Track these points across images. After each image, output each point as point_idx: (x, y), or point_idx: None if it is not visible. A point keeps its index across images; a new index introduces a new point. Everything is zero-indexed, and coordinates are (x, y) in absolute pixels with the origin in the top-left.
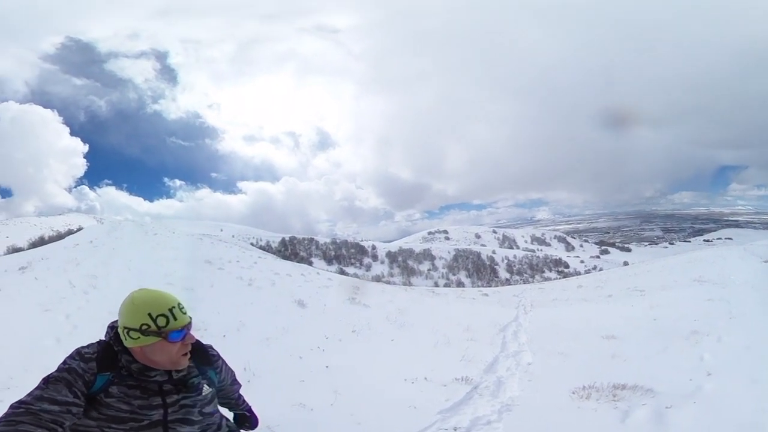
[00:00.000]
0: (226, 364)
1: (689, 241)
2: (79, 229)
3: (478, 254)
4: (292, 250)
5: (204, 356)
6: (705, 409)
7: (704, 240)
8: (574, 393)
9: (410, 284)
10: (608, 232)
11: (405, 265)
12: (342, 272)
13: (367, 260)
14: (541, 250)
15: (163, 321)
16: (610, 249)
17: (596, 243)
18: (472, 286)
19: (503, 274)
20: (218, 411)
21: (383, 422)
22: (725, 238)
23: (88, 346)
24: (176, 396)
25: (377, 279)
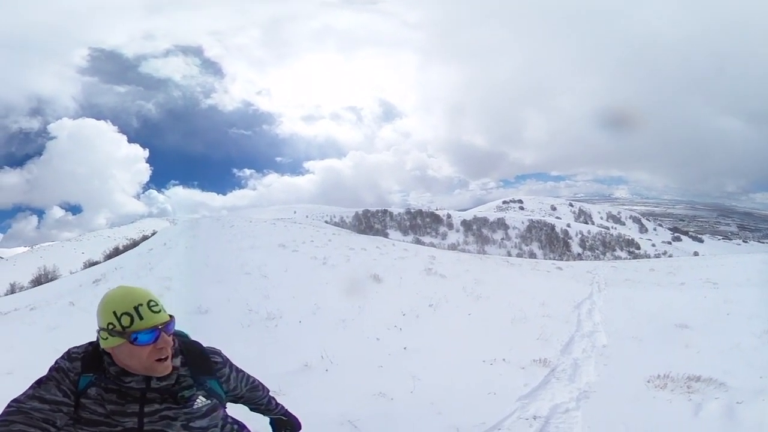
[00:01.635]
0: (238, 371)
1: (764, 243)
2: (153, 234)
3: (552, 226)
4: (366, 223)
5: (203, 364)
6: None
7: None
8: (649, 381)
9: (484, 253)
10: (683, 220)
11: (479, 233)
12: (418, 242)
13: (442, 229)
14: (615, 228)
15: (127, 320)
16: (682, 237)
17: (670, 229)
18: (544, 258)
19: (576, 248)
20: (222, 424)
21: (464, 411)
22: None
23: (79, 346)
24: (158, 406)
25: (452, 247)
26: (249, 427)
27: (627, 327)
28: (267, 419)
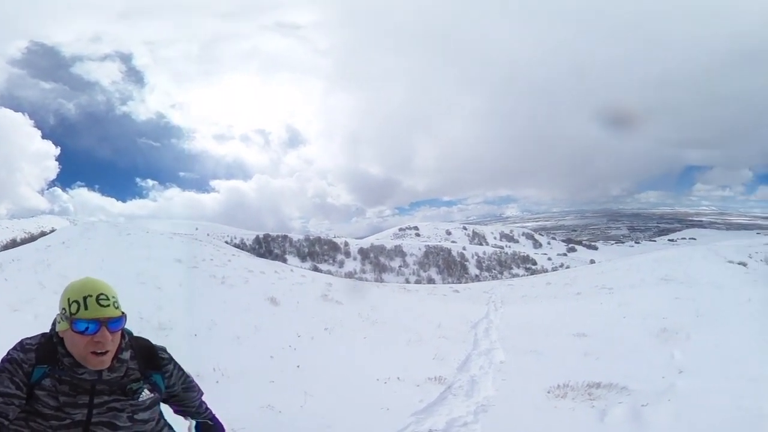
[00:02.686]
0: (180, 370)
1: (654, 241)
2: (52, 231)
3: (449, 251)
4: (266, 247)
5: (151, 359)
6: (681, 407)
7: (669, 240)
8: (549, 392)
9: (382, 280)
10: (575, 230)
11: (377, 261)
12: (315, 269)
13: (339, 257)
14: (510, 246)
15: (75, 307)
16: (577, 247)
17: (563, 241)
18: (443, 283)
19: (473, 270)
20: (159, 418)
21: (355, 425)
22: (689, 238)
23: (32, 337)
24: (106, 397)
25: (350, 275)
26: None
27: (524, 342)
28: (187, 423)
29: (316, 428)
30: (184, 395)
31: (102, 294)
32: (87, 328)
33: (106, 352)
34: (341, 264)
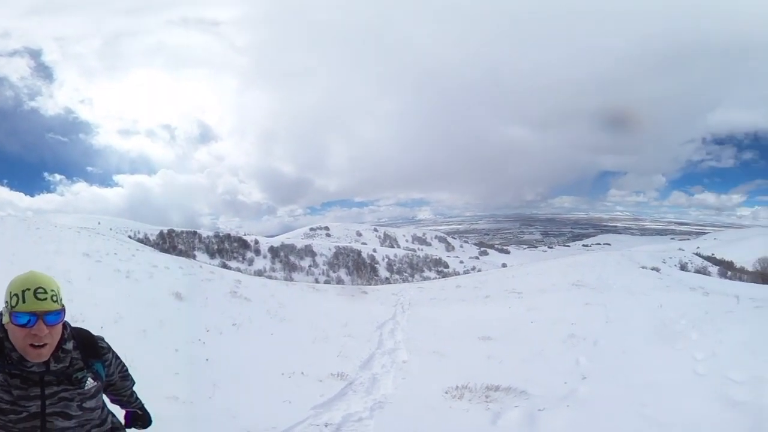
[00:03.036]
0: (118, 358)
1: (568, 246)
2: None
3: (359, 252)
4: (171, 243)
5: (91, 348)
6: (578, 413)
7: (583, 245)
8: (447, 392)
9: (291, 279)
10: (488, 234)
11: (287, 260)
12: (224, 266)
13: (249, 254)
14: (422, 249)
15: (14, 300)
16: (489, 251)
17: (476, 244)
18: (353, 284)
19: (383, 272)
20: (103, 406)
21: (258, 416)
22: (603, 244)
23: None
24: (56, 388)
25: (259, 273)
26: None
27: (429, 343)
28: (122, 412)
29: (221, 419)
30: (121, 384)
31: (40, 287)
32: (27, 321)
33: (44, 345)
34: (251, 262)
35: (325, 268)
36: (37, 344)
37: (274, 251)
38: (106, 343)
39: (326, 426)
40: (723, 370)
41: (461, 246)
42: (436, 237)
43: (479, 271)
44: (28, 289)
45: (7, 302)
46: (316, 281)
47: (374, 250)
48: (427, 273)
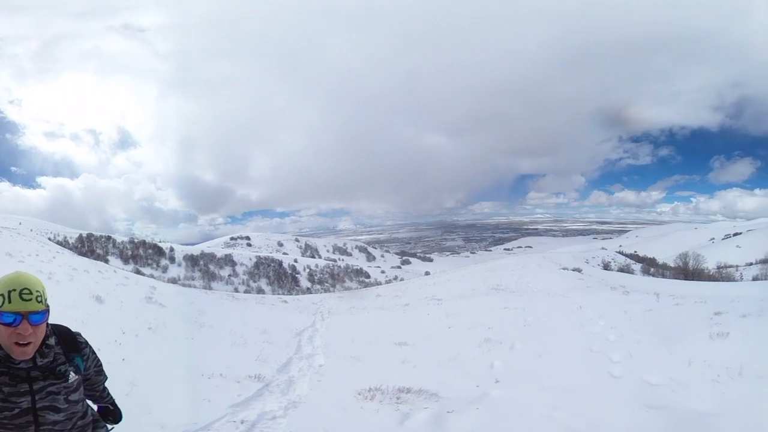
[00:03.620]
0: (94, 353)
1: (490, 250)
2: None
3: (280, 262)
4: (89, 247)
5: (71, 343)
6: (486, 415)
7: (505, 249)
8: (359, 394)
9: (210, 288)
10: (409, 243)
11: (206, 269)
12: (138, 272)
13: (164, 262)
14: (343, 259)
15: (0, 301)
16: (411, 259)
17: (397, 253)
18: (273, 294)
19: (305, 282)
20: (84, 399)
21: (175, 413)
22: (525, 247)
23: None
24: (43, 383)
25: (173, 281)
26: None
27: (346, 349)
28: (95, 406)
29: (137, 414)
30: (95, 378)
31: (25, 288)
32: (13, 320)
33: (29, 343)
34: (165, 269)
35: (245, 277)
36: (21, 342)
37: (192, 259)
38: (84, 338)
39: (242, 423)
40: (639, 372)
41: (382, 256)
42: (356, 247)
43: (401, 280)
44: (14, 290)
45: None
46: (236, 290)
47: (295, 261)
48: (348, 283)
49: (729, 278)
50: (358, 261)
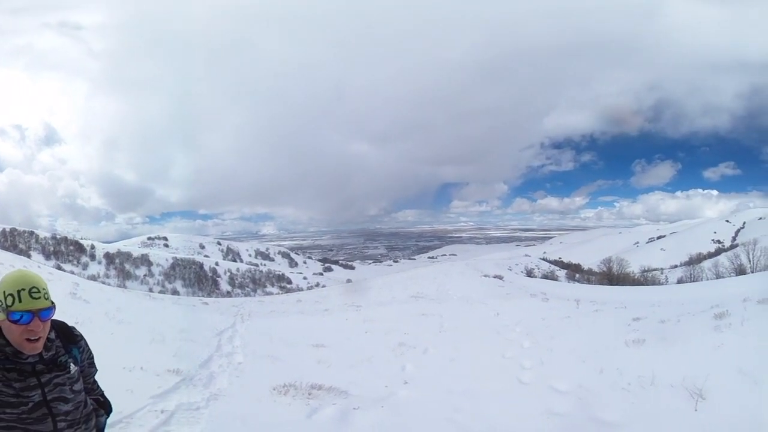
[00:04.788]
0: (87, 345)
1: (414, 259)
2: None
3: (201, 265)
4: (11, 241)
5: (69, 335)
6: (389, 414)
7: (429, 257)
8: (275, 389)
9: (125, 287)
10: (332, 250)
11: (122, 267)
12: (59, 268)
13: (84, 259)
14: (265, 264)
15: (10, 300)
16: (333, 266)
17: (320, 260)
18: (191, 296)
19: (225, 286)
20: (84, 389)
21: None
22: (449, 255)
23: None
24: (49, 375)
25: (93, 278)
26: None
27: (264, 349)
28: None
29: None
30: (88, 370)
31: (34, 287)
32: (21, 318)
33: (39, 338)
34: (85, 266)
35: (160, 278)
36: (32, 338)
37: (110, 257)
38: (79, 331)
39: (162, 412)
40: (548, 379)
41: (305, 262)
42: (279, 252)
43: (323, 287)
44: (23, 289)
45: (1, 301)
46: (151, 290)
47: (216, 264)
48: (269, 288)
49: (654, 282)
50: (280, 266)
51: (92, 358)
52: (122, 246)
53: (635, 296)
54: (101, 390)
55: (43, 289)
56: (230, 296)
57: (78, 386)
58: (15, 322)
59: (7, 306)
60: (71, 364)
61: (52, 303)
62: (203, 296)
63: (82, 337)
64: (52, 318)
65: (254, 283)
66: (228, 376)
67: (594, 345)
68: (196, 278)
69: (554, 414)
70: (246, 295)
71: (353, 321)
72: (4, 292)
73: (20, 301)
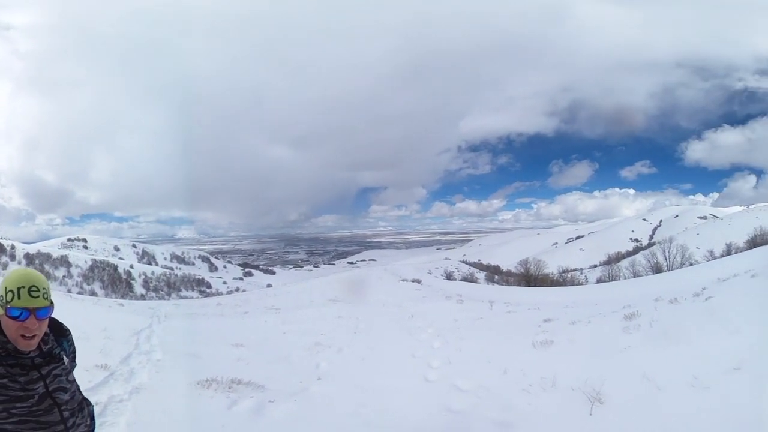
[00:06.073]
0: (73, 340)
1: (334, 264)
2: None
3: (116, 267)
4: None
5: (59, 328)
6: (301, 406)
7: (348, 262)
8: (198, 383)
9: None
10: (252, 255)
11: (41, 269)
12: None
13: (5, 259)
14: (181, 268)
15: (10, 296)
16: (254, 271)
17: (240, 265)
18: (107, 298)
19: (140, 289)
20: (74, 379)
21: None
22: (369, 260)
23: None
24: (48, 368)
25: None
26: None
27: (184, 347)
28: None
29: None
30: (70, 365)
31: (34, 286)
32: (20, 315)
33: (34, 336)
34: (5, 266)
35: (79, 279)
36: (27, 335)
37: (29, 258)
38: (66, 326)
39: (96, 404)
40: (452, 379)
41: (225, 267)
42: (199, 257)
43: (243, 291)
44: (23, 287)
45: (1, 296)
46: (69, 292)
47: (131, 266)
48: (186, 292)
49: (574, 282)
50: (200, 271)
51: (75, 353)
52: (42, 247)
53: (551, 297)
54: (77, 384)
55: (44, 288)
56: (144, 299)
57: (71, 377)
58: (12, 318)
59: (6, 302)
60: (63, 355)
61: (51, 303)
62: (118, 298)
63: (70, 332)
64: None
65: (169, 286)
66: (148, 371)
67: (502, 346)
68: (111, 280)
69: (451, 411)
70: (160, 299)
71: (272, 323)
72: (5, 288)
73: (19, 298)
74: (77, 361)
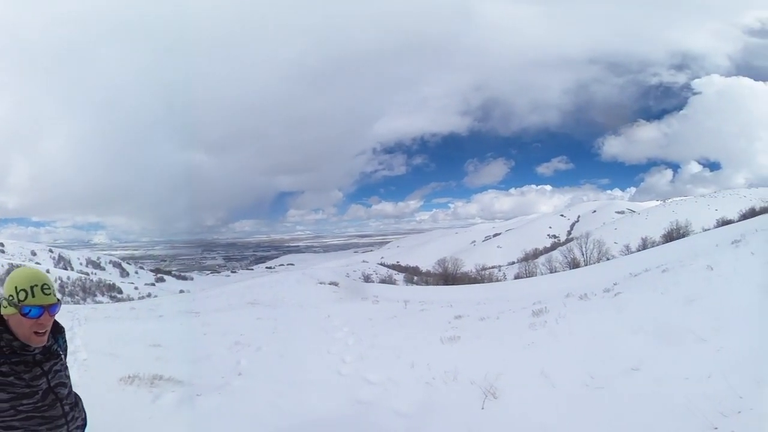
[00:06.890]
0: (66, 337)
1: (252, 269)
2: None
3: None
4: None
5: (55, 325)
6: (226, 399)
7: (267, 267)
8: (121, 380)
9: None
10: (165, 260)
11: None
12: None
13: None
14: (95, 273)
15: (23, 295)
16: (166, 277)
17: (152, 270)
18: None
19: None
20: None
21: None
22: (287, 264)
23: None
24: (49, 364)
25: None
26: None
27: (105, 347)
28: None
29: None
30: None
31: (45, 284)
32: (33, 312)
33: (45, 331)
34: None
35: None
36: (40, 332)
37: None
38: (60, 323)
39: None
40: (363, 372)
41: (137, 272)
42: (110, 262)
43: (155, 297)
44: (36, 285)
45: (12, 296)
46: None
47: (47, 271)
48: (100, 298)
49: (492, 279)
50: (111, 276)
51: (67, 349)
52: None
53: (465, 295)
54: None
55: (52, 285)
56: (60, 304)
57: (68, 372)
58: (26, 315)
59: (19, 300)
60: (60, 351)
61: (59, 299)
62: None
63: (64, 328)
64: None
65: (84, 291)
66: (77, 370)
67: (413, 342)
68: None
69: (360, 402)
70: (76, 303)
71: (191, 325)
72: (16, 288)
73: (33, 296)
74: None
